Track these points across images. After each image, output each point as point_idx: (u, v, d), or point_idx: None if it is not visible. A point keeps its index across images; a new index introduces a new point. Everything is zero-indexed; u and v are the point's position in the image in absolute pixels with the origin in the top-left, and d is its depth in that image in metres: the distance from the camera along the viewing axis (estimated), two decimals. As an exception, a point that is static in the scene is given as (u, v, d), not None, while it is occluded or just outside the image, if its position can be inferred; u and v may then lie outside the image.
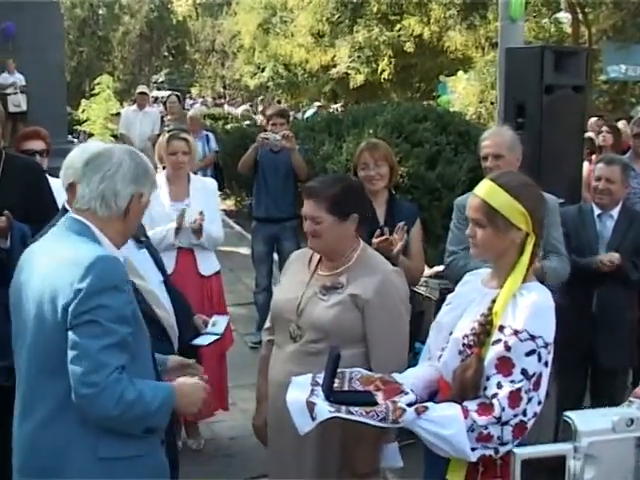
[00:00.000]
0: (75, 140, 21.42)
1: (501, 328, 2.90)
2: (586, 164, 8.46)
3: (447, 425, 2.86)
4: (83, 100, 26.84)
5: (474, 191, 3.12)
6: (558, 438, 2.51)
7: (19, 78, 17.09)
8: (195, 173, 6.75)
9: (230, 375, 6.13)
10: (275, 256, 8.64)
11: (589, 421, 1.88)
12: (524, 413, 2.84)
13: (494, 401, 2.85)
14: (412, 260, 5.18)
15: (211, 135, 12.66)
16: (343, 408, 2.90)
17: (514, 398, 2.83)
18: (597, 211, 5.62)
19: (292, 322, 3.70)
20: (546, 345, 2.88)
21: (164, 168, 6.28)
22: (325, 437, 3.49)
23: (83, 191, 3.07)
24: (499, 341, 2.89)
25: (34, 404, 2.91)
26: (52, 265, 2.90)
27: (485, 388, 2.91)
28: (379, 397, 3.03)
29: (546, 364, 2.90)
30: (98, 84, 26.72)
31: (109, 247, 3.03)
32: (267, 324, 4.01)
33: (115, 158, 3.08)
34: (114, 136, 24.12)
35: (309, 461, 3.62)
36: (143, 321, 3.07)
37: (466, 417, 2.85)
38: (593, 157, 9.03)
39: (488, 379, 2.90)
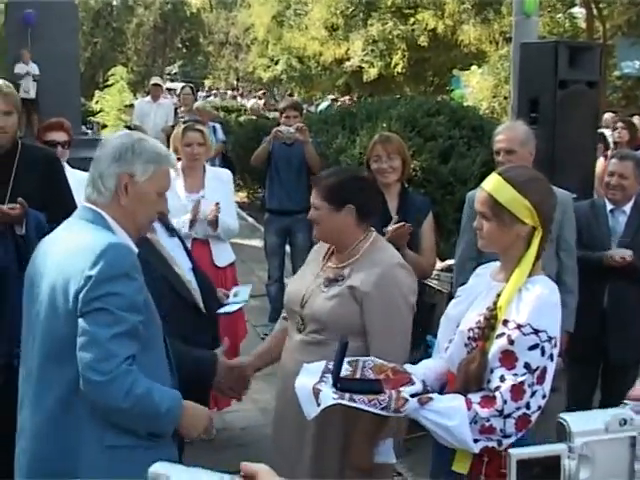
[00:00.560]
0: (89, 131, 21.49)
1: (505, 322, 2.91)
2: (601, 159, 8.46)
3: (450, 416, 2.89)
4: (97, 91, 26.91)
5: (482, 185, 3.15)
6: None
7: (33, 68, 17.15)
8: (203, 163, 6.77)
9: (242, 366, 6.14)
10: (287, 248, 8.67)
11: (582, 422, 1.89)
12: (527, 406, 2.86)
13: (497, 394, 2.86)
14: (424, 254, 5.19)
15: (218, 126, 12.65)
16: (347, 395, 2.93)
17: (517, 391, 2.84)
18: (609, 206, 5.61)
19: (297, 313, 3.75)
20: (550, 339, 2.88)
21: (179, 160, 6.30)
22: (325, 430, 3.53)
23: (86, 181, 3.07)
24: (503, 335, 2.89)
25: (43, 393, 2.89)
26: (65, 253, 2.88)
27: (489, 381, 2.92)
28: (386, 386, 3.05)
29: (551, 358, 2.90)
30: (112, 75, 26.76)
31: (122, 235, 2.99)
32: (283, 313, 4.06)
33: (106, 143, 3.06)
34: (128, 127, 24.18)
35: (308, 453, 3.64)
36: (155, 310, 3.04)
37: (469, 409, 2.87)
38: (608, 153, 9.01)
39: (492, 372, 2.92)
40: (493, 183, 3.07)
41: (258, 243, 10.12)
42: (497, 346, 2.90)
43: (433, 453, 3.31)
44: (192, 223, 5.92)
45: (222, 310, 4.56)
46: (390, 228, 4.90)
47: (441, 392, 3.11)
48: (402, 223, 4.93)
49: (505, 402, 2.84)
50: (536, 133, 5.25)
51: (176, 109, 15.07)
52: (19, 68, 17.09)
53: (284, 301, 3.98)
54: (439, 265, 5.96)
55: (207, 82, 50.91)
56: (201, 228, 6.01)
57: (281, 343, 3.91)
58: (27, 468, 2.95)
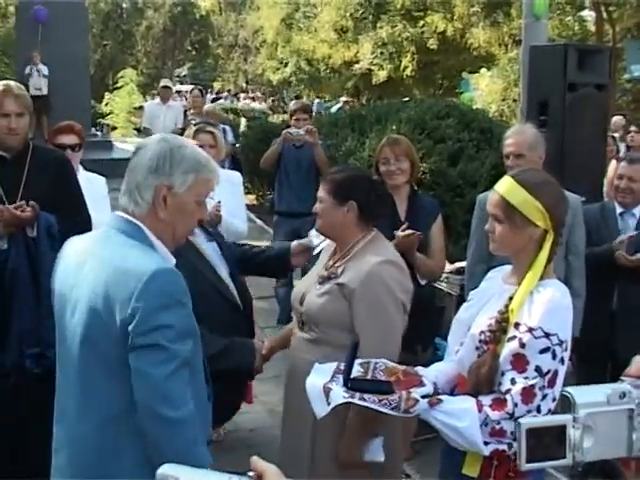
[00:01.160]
0: (98, 133, 21.57)
1: (516, 325, 2.91)
2: (613, 162, 8.45)
3: (461, 417, 2.89)
4: (106, 93, 27.01)
5: (494, 187, 3.15)
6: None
7: (43, 69, 17.21)
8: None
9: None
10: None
11: (586, 395, 2.03)
12: (538, 409, 2.85)
13: (507, 397, 2.86)
14: (433, 256, 5.19)
15: (228, 128, 12.67)
16: (357, 394, 2.94)
17: (527, 394, 2.84)
18: (619, 209, 5.61)
19: (297, 311, 3.85)
20: (561, 342, 2.88)
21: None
22: (319, 426, 3.54)
23: (121, 188, 2.88)
24: (514, 338, 2.89)
25: (89, 405, 2.75)
26: (105, 271, 2.70)
27: (500, 384, 2.92)
28: (397, 388, 3.06)
29: (562, 361, 2.90)
30: (121, 77, 26.88)
31: (161, 248, 2.83)
32: None
33: (143, 149, 2.87)
34: (137, 129, 24.26)
35: (306, 448, 3.71)
36: (198, 329, 2.88)
37: (480, 411, 2.87)
38: (620, 156, 9.01)
39: (503, 375, 2.92)
40: (506, 185, 3.07)
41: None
42: (508, 349, 2.90)
43: (442, 455, 3.31)
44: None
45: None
46: (399, 234, 4.91)
47: (451, 395, 3.12)
48: (412, 231, 4.94)
49: (516, 405, 2.84)
50: (545, 136, 5.26)
51: (185, 111, 15.10)
52: (29, 69, 17.17)
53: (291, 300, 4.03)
54: (448, 268, 5.96)
55: (216, 84, 51.00)
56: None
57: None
58: None
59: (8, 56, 29.40)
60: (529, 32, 11.27)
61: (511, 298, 2.98)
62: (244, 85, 51.93)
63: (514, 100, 19.17)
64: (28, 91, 5.09)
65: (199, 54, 53.17)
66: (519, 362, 2.87)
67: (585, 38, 23.55)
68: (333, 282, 3.70)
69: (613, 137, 10.01)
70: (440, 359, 3.51)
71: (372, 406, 2.93)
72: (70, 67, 16.75)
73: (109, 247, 2.80)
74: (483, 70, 23.49)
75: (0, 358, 4.37)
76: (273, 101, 40.28)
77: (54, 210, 4.50)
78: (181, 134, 5.86)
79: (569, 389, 2.03)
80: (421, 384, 3.11)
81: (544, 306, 2.90)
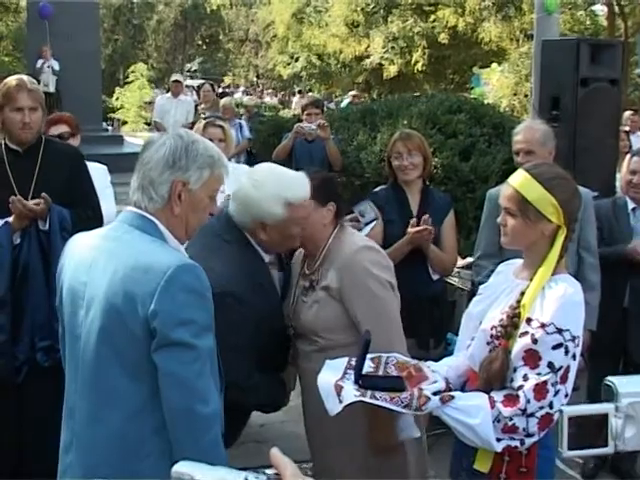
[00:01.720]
0: (109, 128, 21.61)
1: (528, 320, 2.89)
2: (628, 158, 8.42)
3: (473, 414, 2.88)
4: (117, 88, 27.04)
5: (508, 180, 3.13)
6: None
7: (54, 64, 17.24)
8: (229, 160, 6.78)
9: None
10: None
11: (628, 384, 2.07)
12: (550, 405, 2.84)
13: (519, 393, 2.85)
14: (445, 251, 5.19)
15: (244, 122, 12.71)
16: (368, 393, 2.93)
17: (540, 390, 2.83)
18: (631, 205, 5.58)
19: (290, 324, 3.78)
20: (573, 338, 2.86)
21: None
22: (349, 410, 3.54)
23: (132, 184, 2.84)
24: (526, 333, 2.88)
25: (104, 405, 2.72)
26: (122, 267, 2.67)
27: (512, 379, 2.91)
28: (408, 383, 3.06)
29: (574, 357, 2.89)
30: (132, 72, 26.89)
31: (173, 243, 2.81)
32: None
33: (156, 144, 2.83)
34: (147, 124, 24.31)
35: (334, 433, 3.63)
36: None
37: (492, 407, 2.86)
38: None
39: (515, 370, 2.90)
40: (520, 179, 3.06)
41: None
42: (520, 345, 2.88)
43: (453, 451, 3.30)
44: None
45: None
46: (411, 230, 4.90)
47: (462, 390, 3.12)
48: (424, 227, 4.94)
49: (528, 401, 2.83)
50: (557, 131, 5.24)
51: (196, 106, 15.11)
52: (40, 64, 17.21)
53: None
54: (460, 262, 5.95)
55: (227, 79, 51.02)
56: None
57: None
58: None
59: (20, 50, 29.50)
60: (541, 27, 11.25)
61: (523, 293, 2.97)
62: (255, 80, 51.93)
63: (525, 95, 19.16)
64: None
65: (210, 49, 53.15)
66: (531, 358, 2.86)
67: (597, 33, 23.53)
68: (318, 288, 3.67)
69: (626, 132, 9.96)
70: (452, 354, 3.50)
71: (384, 404, 2.91)
72: (81, 62, 16.77)
73: (124, 243, 2.76)
74: (494, 65, 23.48)
75: (13, 351, 4.39)
76: (283, 95, 40.30)
77: (66, 204, 4.51)
78: (191, 128, 5.87)
79: (612, 378, 2.05)
80: (433, 379, 3.11)
81: (557, 302, 2.88)
